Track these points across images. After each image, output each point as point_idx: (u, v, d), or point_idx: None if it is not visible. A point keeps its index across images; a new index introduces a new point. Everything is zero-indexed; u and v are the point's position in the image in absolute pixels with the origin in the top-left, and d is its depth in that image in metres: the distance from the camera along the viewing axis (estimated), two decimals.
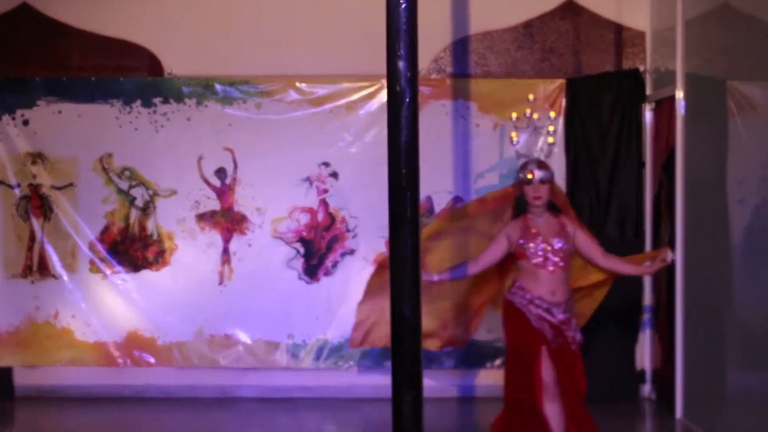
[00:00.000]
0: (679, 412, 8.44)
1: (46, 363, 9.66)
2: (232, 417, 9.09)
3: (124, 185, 9.56)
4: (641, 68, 9.56)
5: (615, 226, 9.34)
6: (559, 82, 9.46)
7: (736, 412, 7.59)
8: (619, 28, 9.65)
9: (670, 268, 8.03)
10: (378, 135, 9.34)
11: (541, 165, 6.93)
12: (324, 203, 9.54)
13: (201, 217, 9.55)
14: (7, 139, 9.53)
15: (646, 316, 9.45)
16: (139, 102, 9.52)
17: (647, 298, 9.43)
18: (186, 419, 9.02)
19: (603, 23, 9.66)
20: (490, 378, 9.44)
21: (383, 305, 6.91)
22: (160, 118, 9.52)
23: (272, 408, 9.35)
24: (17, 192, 9.55)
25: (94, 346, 9.57)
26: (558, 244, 6.78)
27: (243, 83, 9.51)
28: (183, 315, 9.52)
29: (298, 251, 9.54)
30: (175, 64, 9.67)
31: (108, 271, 9.57)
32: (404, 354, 3.97)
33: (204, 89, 9.51)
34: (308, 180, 9.52)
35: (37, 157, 9.54)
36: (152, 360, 9.57)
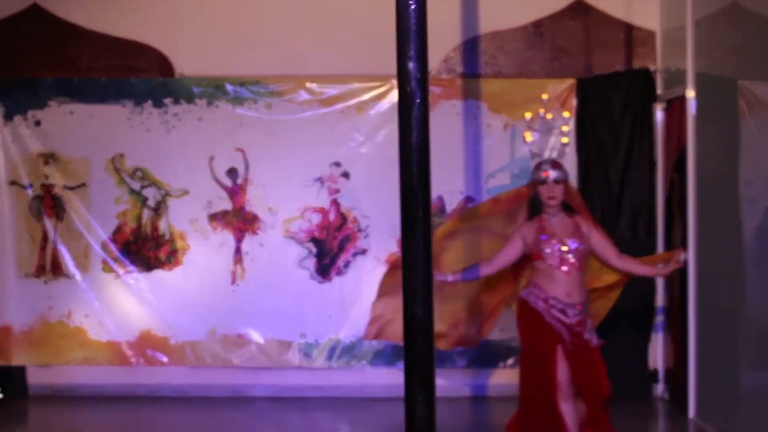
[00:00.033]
0: (692, 411, 8.43)
1: (60, 362, 9.70)
2: (245, 416, 9.11)
3: (136, 185, 9.59)
4: (652, 68, 9.54)
5: (627, 226, 9.34)
6: (570, 82, 9.46)
7: (748, 411, 7.58)
8: (629, 28, 9.64)
9: (683, 268, 8.02)
10: (389, 135, 9.34)
11: (556, 165, 6.93)
12: (335, 203, 9.56)
13: (213, 217, 9.57)
14: (20, 139, 9.56)
15: (659, 318, 9.43)
16: (150, 102, 9.55)
17: (660, 299, 9.42)
18: (199, 418, 9.04)
19: (613, 23, 9.64)
20: (502, 377, 9.44)
21: (397, 304, 6.93)
22: (172, 119, 9.55)
23: (285, 407, 9.37)
24: (30, 192, 9.59)
25: (107, 345, 9.60)
26: (573, 245, 6.77)
27: (253, 83, 9.52)
28: (195, 314, 9.54)
29: (310, 251, 9.56)
30: (185, 64, 9.69)
31: (121, 271, 9.60)
32: (416, 354, 3.98)
33: (215, 89, 9.53)
34: (320, 180, 9.54)
35: (49, 158, 9.57)
36: (165, 359, 9.59)
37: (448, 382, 9.31)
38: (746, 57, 7.68)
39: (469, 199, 9.46)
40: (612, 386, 6.84)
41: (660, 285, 9.37)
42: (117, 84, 9.57)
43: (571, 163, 9.23)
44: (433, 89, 9.23)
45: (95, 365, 9.66)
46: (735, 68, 7.88)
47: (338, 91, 9.50)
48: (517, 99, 9.38)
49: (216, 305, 9.55)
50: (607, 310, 7.35)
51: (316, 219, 9.56)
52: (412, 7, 3.83)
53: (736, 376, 7.78)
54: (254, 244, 9.57)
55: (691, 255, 8.20)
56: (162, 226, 9.60)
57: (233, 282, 9.58)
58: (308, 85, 9.51)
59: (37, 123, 9.57)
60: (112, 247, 9.58)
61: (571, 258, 6.76)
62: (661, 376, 9.49)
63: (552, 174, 6.84)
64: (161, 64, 9.70)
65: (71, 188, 9.58)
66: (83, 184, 9.59)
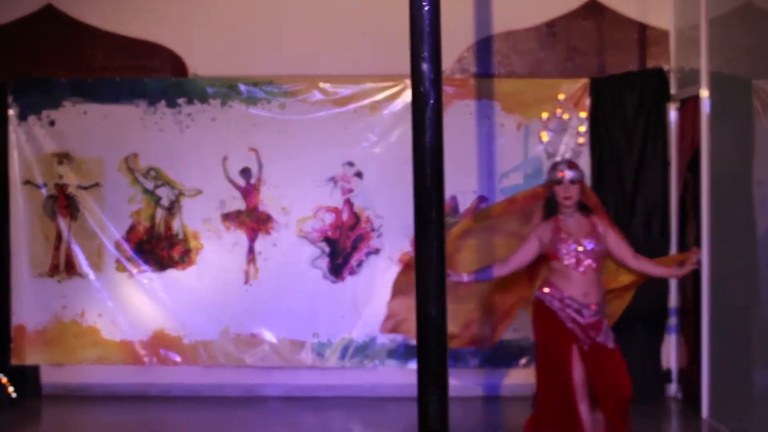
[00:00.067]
0: (705, 411, 8.41)
1: (73, 361, 9.71)
2: (258, 416, 9.12)
3: (149, 185, 9.60)
4: (665, 67, 9.52)
5: (641, 225, 9.32)
6: (583, 81, 9.44)
7: (762, 411, 7.56)
8: (642, 27, 9.62)
9: (696, 268, 8.00)
10: (402, 135, 9.33)
11: (572, 165, 6.92)
12: (349, 203, 9.56)
13: (226, 217, 9.59)
14: (34, 139, 9.59)
15: (673, 319, 9.41)
16: (163, 102, 9.57)
17: (673, 300, 9.40)
18: (212, 418, 9.05)
19: (626, 22, 9.63)
20: (515, 377, 9.44)
21: (411, 304, 6.92)
22: (185, 119, 9.56)
23: (298, 407, 9.37)
24: (44, 192, 9.61)
25: (120, 344, 9.61)
26: (589, 245, 6.76)
27: (267, 83, 9.53)
28: (209, 314, 9.55)
29: (323, 250, 9.56)
30: (199, 64, 9.70)
31: (134, 270, 9.62)
32: (430, 354, 3.99)
33: (228, 90, 9.55)
34: (333, 180, 9.54)
35: (63, 158, 9.59)
36: (178, 359, 9.61)
37: (460, 382, 9.29)
38: (760, 56, 7.66)
39: (482, 198, 9.45)
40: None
41: (673, 285, 9.34)
42: (131, 84, 9.59)
43: (584, 163, 9.21)
44: (447, 89, 9.23)
45: (108, 365, 9.67)
46: (749, 68, 7.86)
47: (351, 91, 9.50)
48: (531, 99, 9.39)
49: (229, 305, 9.56)
50: (621, 311, 7.34)
51: (329, 219, 9.57)
52: (426, 8, 3.83)
53: (750, 376, 7.75)
54: (267, 244, 9.58)
55: (704, 255, 8.16)
56: (175, 225, 9.61)
57: (246, 281, 9.59)
58: (322, 85, 9.51)
59: (52, 123, 9.59)
60: (126, 247, 9.61)
61: (587, 258, 6.75)
62: (674, 376, 9.47)
63: (568, 174, 6.83)
64: (175, 64, 9.72)
65: (85, 188, 9.60)
66: (97, 184, 9.61)
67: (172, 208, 9.61)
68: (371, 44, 9.50)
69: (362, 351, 9.53)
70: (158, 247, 9.61)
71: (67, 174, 9.60)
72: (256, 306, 9.56)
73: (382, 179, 9.47)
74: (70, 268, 9.62)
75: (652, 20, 9.61)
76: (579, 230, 6.81)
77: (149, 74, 9.66)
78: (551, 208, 6.93)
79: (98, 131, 9.58)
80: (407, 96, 9.24)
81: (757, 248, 7.59)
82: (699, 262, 7.22)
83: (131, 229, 9.62)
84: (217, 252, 9.59)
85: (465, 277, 6.91)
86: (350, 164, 9.53)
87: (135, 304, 9.62)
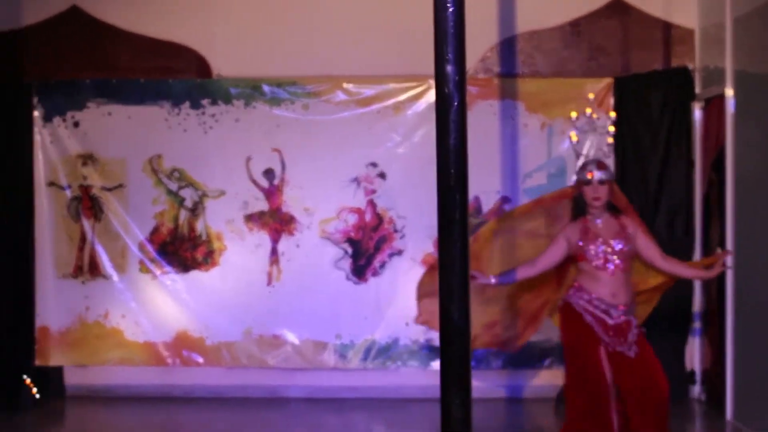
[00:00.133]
0: (729, 413, 8.38)
1: (96, 363, 9.75)
2: (281, 417, 9.13)
3: (173, 186, 9.62)
4: (690, 66, 9.49)
5: (665, 224, 9.29)
6: (607, 81, 9.42)
7: None
8: (667, 26, 9.58)
9: None
10: (426, 135, 9.33)
11: (601, 165, 6.87)
12: (372, 204, 9.55)
13: (249, 218, 9.60)
14: (58, 140, 9.63)
15: (697, 323, 9.36)
16: (187, 104, 9.59)
17: (697, 304, 9.35)
18: (234, 419, 9.07)
19: (651, 21, 9.59)
20: (538, 379, 9.42)
21: (436, 304, 6.89)
22: (209, 120, 9.58)
23: (320, 408, 9.37)
24: (68, 193, 9.65)
25: (143, 346, 9.64)
26: (618, 246, 6.70)
27: (290, 84, 9.54)
28: (232, 315, 9.56)
29: (346, 252, 9.56)
30: (223, 65, 9.72)
31: (157, 272, 9.64)
32: (453, 355, 3.96)
33: (252, 90, 9.56)
34: (356, 180, 9.54)
35: (87, 159, 9.63)
36: (201, 360, 9.62)
37: (483, 384, 9.28)
38: None
39: (505, 199, 9.43)
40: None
41: (698, 287, 9.30)
42: (155, 85, 9.61)
43: (608, 162, 9.17)
44: (470, 89, 9.21)
45: (132, 366, 9.70)
46: None
47: (375, 92, 9.50)
48: (554, 98, 9.37)
49: (252, 306, 9.57)
50: (648, 313, 7.29)
51: (352, 219, 9.57)
52: (450, 9, 3.81)
53: None
54: (290, 245, 9.58)
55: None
56: (199, 226, 9.63)
57: (269, 283, 9.59)
58: (345, 85, 9.52)
59: (76, 124, 9.62)
60: (149, 248, 9.63)
61: (615, 259, 6.70)
62: (698, 377, 9.43)
63: (597, 175, 6.78)
64: (199, 65, 9.74)
65: (109, 189, 9.63)
66: (121, 185, 9.64)
67: (195, 210, 9.62)
68: (394, 44, 9.50)
69: (385, 352, 9.52)
70: (181, 249, 9.63)
71: (91, 175, 9.63)
72: (278, 307, 9.56)
73: (406, 180, 9.46)
74: (94, 270, 9.65)
75: (676, 19, 9.57)
76: (607, 231, 6.76)
77: (174, 75, 9.68)
78: (579, 208, 6.89)
79: (122, 132, 9.61)
80: (431, 96, 9.23)
81: None
82: (727, 264, 7.16)
83: (155, 231, 9.64)
84: (240, 253, 9.60)
85: (493, 279, 6.86)
86: (373, 165, 9.53)
87: (158, 306, 9.65)
